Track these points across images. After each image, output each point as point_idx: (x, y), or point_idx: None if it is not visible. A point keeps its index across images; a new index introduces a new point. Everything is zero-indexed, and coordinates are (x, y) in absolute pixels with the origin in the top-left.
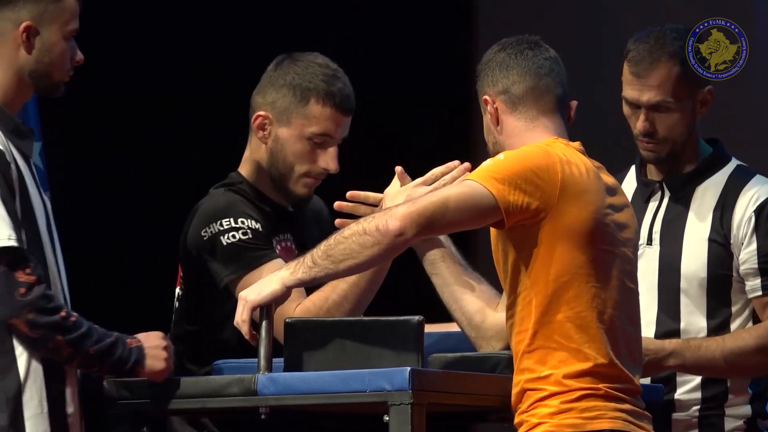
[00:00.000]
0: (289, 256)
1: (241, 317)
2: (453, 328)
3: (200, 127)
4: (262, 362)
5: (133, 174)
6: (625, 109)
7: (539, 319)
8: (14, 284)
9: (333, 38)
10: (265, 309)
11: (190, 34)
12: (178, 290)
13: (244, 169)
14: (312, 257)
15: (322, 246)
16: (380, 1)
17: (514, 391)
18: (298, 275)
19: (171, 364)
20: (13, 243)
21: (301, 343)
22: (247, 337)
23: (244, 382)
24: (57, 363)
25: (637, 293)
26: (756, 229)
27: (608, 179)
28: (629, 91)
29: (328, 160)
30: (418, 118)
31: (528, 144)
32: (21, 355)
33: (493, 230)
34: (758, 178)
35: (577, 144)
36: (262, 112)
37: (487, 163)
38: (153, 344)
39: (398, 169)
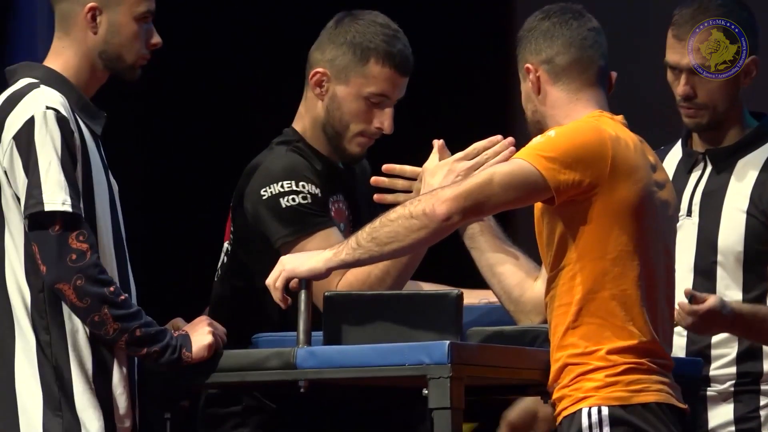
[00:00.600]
0: (340, 218)
1: (274, 282)
2: (488, 294)
3: (246, 87)
4: (302, 336)
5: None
6: (669, 75)
7: (585, 295)
8: (66, 249)
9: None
10: (304, 282)
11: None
12: (226, 244)
13: (299, 125)
14: (357, 239)
15: (367, 228)
16: None
17: (555, 367)
18: (341, 256)
19: (219, 339)
20: (68, 208)
21: (341, 316)
22: (277, 300)
23: (284, 356)
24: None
25: (674, 272)
26: None
27: (650, 155)
28: (671, 55)
29: (384, 120)
30: (456, 91)
31: (571, 116)
32: (70, 332)
33: (537, 204)
34: None
35: (620, 117)
36: (320, 69)
37: (536, 140)
38: (197, 329)
39: (438, 142)
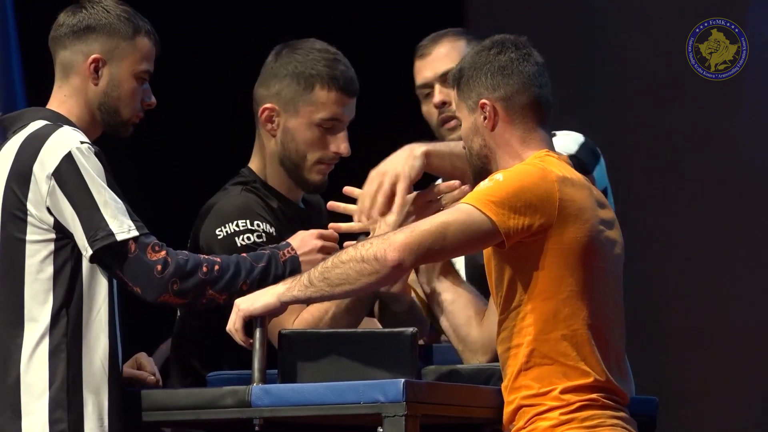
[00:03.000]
0: None
1: (234, 325)
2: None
3: (204, 125)
4: (256, 374)
5: (136, 174)
6: (424, 107)
7: (536, 336)
8: (149, 265)
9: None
10: (259, 320)
11: (187, 29)
12: None
13: (255, 164)
14: (309, 277)
15: (320, 267)
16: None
17: (508, 409)
18: (293, 292)
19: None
20: (135, 233)
21: (296, 354)
22: (242, 344)
23: (238, 394)
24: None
25: (623, 309)
26: None
27: (597, 193)
28: (419, 77)
29: (339, 144)
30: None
31: (521, 156)
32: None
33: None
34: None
35: (565, 157)
36: (268, 105)
37: (485, 185)
38: (307, 249)
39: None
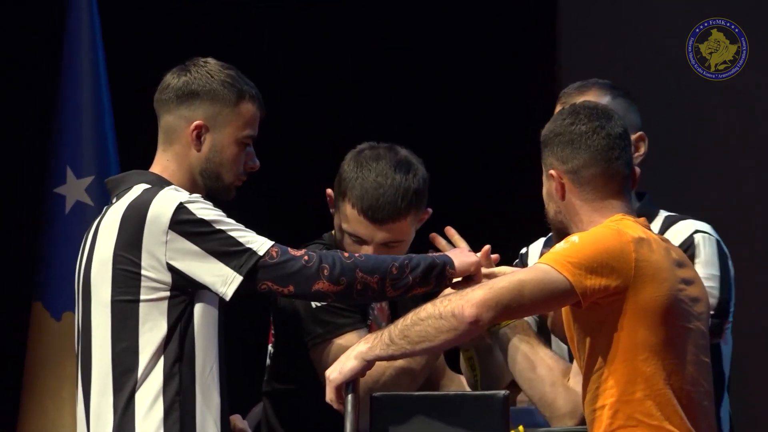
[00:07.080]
0: (383, 317)
1: (329, 397)
2: None
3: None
4: None
5: None
6: None
7: (619, 397)
8: (296, 259)
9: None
10: (351, 385)
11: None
12: (270, 347)
13: (337, 233)
14: (389, 335)
15: (399, 325)
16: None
17: None
18: (376, 351)
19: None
20: (270, 242)
21: (388, 417)
22: (342, 410)
23: None
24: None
25: (710, 366)
26: None
27: (675, 253)
28: None
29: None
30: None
31: (594, 222)
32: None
33: (566, 309)
34: (684, 222)
35: (642, 220)
36: (329, 190)
37: (561, 247)
38: (459, 252)
39: (485, 248)
